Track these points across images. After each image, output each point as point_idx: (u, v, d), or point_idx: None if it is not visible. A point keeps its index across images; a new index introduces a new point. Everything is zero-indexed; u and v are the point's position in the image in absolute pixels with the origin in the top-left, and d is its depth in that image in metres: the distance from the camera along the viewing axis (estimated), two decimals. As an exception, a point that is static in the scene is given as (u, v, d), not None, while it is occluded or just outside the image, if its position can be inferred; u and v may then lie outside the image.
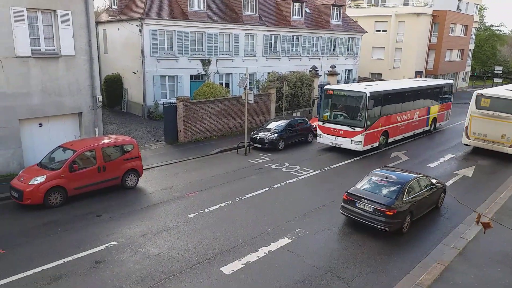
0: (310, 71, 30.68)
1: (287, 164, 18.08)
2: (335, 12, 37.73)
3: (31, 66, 15.07)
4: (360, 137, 19.27)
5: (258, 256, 10.22)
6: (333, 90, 20.13)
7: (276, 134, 20.70)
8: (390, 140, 21.55)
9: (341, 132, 19.74)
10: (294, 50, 34.78)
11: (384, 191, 11.54)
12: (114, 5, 27.85)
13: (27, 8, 14.53)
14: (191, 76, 27.83)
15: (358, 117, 19.31)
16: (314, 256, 10.32)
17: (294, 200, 14.12)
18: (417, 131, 24.01)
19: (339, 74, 35.41)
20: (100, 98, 17.26)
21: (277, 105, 26.93)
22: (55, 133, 16.29)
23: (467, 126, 20.37)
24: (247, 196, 14.22)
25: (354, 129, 19.29)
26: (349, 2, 51.35)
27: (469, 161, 19.57)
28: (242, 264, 9.85)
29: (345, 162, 18.91)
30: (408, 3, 45.03)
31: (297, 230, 11.70)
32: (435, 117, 25.63)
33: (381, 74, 45.46)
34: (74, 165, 13.03)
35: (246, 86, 19.32)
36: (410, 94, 22.75)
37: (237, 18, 29.73)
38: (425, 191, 12.33)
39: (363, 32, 40.87)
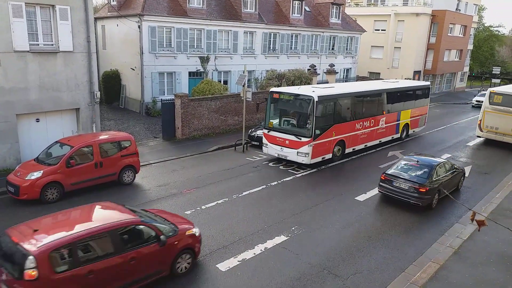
0: (308, 69, 30.70)
1: (284, 162, 18.11)
2: (335, 11, 37.72)
3: (29, 61, 15.02)
4: (306, 149, 16.57)
5: (254, 253, 10.25)
6: (279, 93, 17.49)
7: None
8: (348, 150, 19.04)
9: (287, 142, 17.05)
10: (293, 48, 34.77)
11: (417, 172, 13.53)
12: (113, 1, 27.76)
13: (25, 2, 14.46)
14: (190, 73, 27.80)
15: (304, 125, 16.76)
16: (310, 254, 10.36)
17: (291, 198, 14.15)
18: (384, 139, 21.60)
19: (337, 72, 35.45)
20: (98, 94, 17.23)
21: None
22: (53, 129, 16.26)
23: (481, 120, 22.67)
24: (244, 193, 14.25)
25: (300, 139, 16.61)
26: (349, 1, 51.31)
27: (466, 161, 19.65)
28: (238, 261, 9.88)
29: (344, 160, 18.93)
30: (407, 3, 45.04)
31: (293, 228, 11.73)
32: (407, 123, 23.28)
33: (379, 73, 45.52)
34: (71, 161, 13.01)
35: (244, 84, 19.30)
36: (373, 98, 20.50)
37: (236, 15, 29.70)
38: (449, 173, 14.36)
39: (362, 31, 40.89)
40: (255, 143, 20.59)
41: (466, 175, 17.45)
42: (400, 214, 13.14)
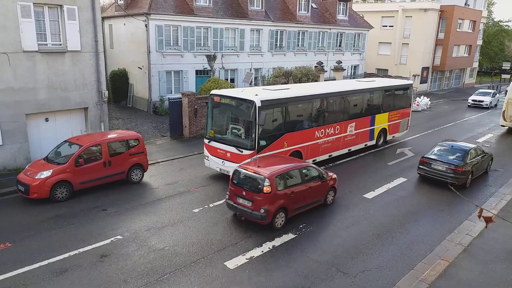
0: (316, 66, 30.58)
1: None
2: (342, 7, 37.49)
3: (38, 61, 15.15)
4: None
5: (262, 251, 10.26)
6: (220, 96, 14.98)
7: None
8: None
9: (228, 154, 14.60)
10: (300, 46, 34.64)
11: (452, 156, 15.25)
12: (120, 0, 27.88)
13: (34, 3, 14.58)
14: (197, 72, 27.83)
15: (246, 135, 14.32)
16: (318, 252, 10.34)
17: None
18: (355, 147, 19.05)
19: (345, 69, 35.25)
20: (106, 93, 17.33)
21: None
22: (61, 128, 16.40)
23: (504, 110, 24.55)
24: (251, 191, 14.24)
25: (242, 151, 14.15)
26: (356, -3, 50.97)
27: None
28: (246, 259, 9.89)
29: (354, 157, 18.85)
30: (415, -2, 44.64)
31: (301, 226, 11.71)
32: (384, 128, 20.69)
33: (387, 70, 45.18)
34: (80, 160, 13.11)
35: (251, 82, 19.30)
36: (339, 101, 17.86)
37: (242, 13, 29.65)
38: (480, 157, 15.98)
39: (369, 27, 40.60)
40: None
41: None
42: (409, 212, 13.06)
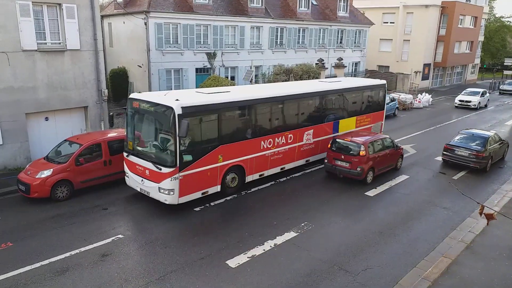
0: (316, 63, 30.43)
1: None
2: (342, 4, 37.32)
3: (37, 60, 15.10)
4: (170, 183, 11.58)
5: (264, 250, 10.21)
6: (139, 101, 12.42)
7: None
8: (252, 177, 14.19)
9: (147, 172, 12.13)
10: (300, 43, 34.51)
11: (474, 143, 16.80)
12: (120, -2, 27.78)
13: (32, 1, 14.52)
14: (197, 69, 27.74)
15: (165, 149, 11.84)
16: (320, 250, 10.29)
17: (300, 193, 14.08)
18: (314, 158, 16.66)
19: (346, 66, 35.10)
20: (106, 91, 17.29)
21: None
22: (62, 127, 16.35)
23: None
24: (252, 189, 14.18)
25: (160, 169, 11.68)
26: (356, -7, 50.72)
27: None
28: (248, 257, 9.85)
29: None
30: (416, -6, 44.43)
31: (303, 224, 11.66)
32: None
33: (388, 66, 45.04)
34: (80, 159, 13.08)
35: (251, 79, 19.23)
36: (292, 105, 15.35)
37: (242, 10, 29.53)
38: (498, 144, 17.55)
39: (370, 24, 40.43)
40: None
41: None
42: (411, 209, 13.00)
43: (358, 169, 14.42)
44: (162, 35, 25.49)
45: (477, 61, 55.09)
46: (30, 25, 14.60)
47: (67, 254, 9.73)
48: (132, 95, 13.01)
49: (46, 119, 16.05)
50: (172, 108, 11.33)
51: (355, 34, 39.45)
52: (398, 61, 44.77)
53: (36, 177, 12.54)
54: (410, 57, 44.09)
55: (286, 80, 26.34)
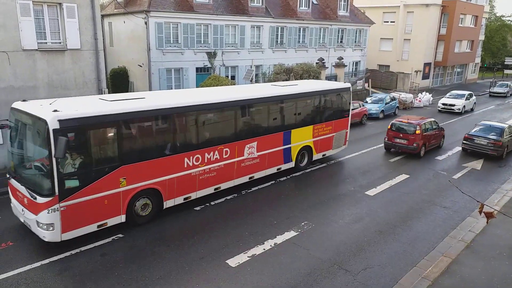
0: (317, 63, 30.45)
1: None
2: (343, 3, 37.28)
3: (37, 60, 15.11)
4: (47, 216, 9.27)
5: (264, 249, 10.22)
6: (20, 112, 10.03)
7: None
8: (171, 203, 11.79)
9: (26, 200, 9.84)
10: (301, 42, 34.49)
11: (492, 132, 18.78)
12: (120, -3, 27.78)
13: (33, 1, 14.52)
14: (197, 69, 27.75)
15: (41, 173, 9.56)
16: (320, 249, 10.30)
17: (300, 193, 14.08)
18: (259, 174, 14.41)
19: (346, 66, 35.11)
20: (106, 91, 17.28)
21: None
22: (62, 126, 16.34)
23: None
24: (253, 189, 14.19)
25: (35, 198, 9.34)
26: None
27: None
28: (248, 256, 9.86)
29: (357, 153, 18.78)
30: (416, -7, 44.39)
31: (303, 223, 11.67)
32: (308, 146, 16.02)
33: (389, 66, 45.01)
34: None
35: (252, 79, 19.23)
36: (228, 113, 13.09)
37: (243, 9, 29.52)
38: (510, 136, 19.21)
39: (371, 23, 40.39)
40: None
41: (478, 168, 17.37)
42: (411, 209, 13.01)
43: (414, 144, 18.08)
44: (163, 35, 25.50)
45: (478, 60, 55.04)
46: (31, 24, 14.60)
47: (67, 254, 9.73)
48: (14, 104, 10.45)
49: (47, 118, 16.04)
50: (45, 122, 8.92)
51: (356, 34, 39.41)
52: (399, 60, 44.74)
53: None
54: (411, 56, 44.07)
55: (286, 79, 26.35)
